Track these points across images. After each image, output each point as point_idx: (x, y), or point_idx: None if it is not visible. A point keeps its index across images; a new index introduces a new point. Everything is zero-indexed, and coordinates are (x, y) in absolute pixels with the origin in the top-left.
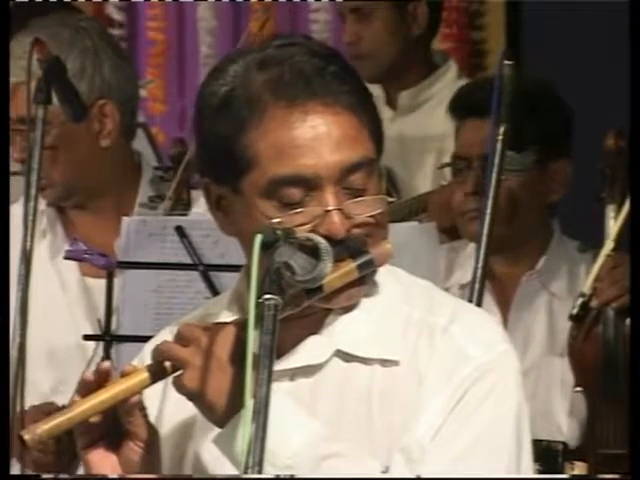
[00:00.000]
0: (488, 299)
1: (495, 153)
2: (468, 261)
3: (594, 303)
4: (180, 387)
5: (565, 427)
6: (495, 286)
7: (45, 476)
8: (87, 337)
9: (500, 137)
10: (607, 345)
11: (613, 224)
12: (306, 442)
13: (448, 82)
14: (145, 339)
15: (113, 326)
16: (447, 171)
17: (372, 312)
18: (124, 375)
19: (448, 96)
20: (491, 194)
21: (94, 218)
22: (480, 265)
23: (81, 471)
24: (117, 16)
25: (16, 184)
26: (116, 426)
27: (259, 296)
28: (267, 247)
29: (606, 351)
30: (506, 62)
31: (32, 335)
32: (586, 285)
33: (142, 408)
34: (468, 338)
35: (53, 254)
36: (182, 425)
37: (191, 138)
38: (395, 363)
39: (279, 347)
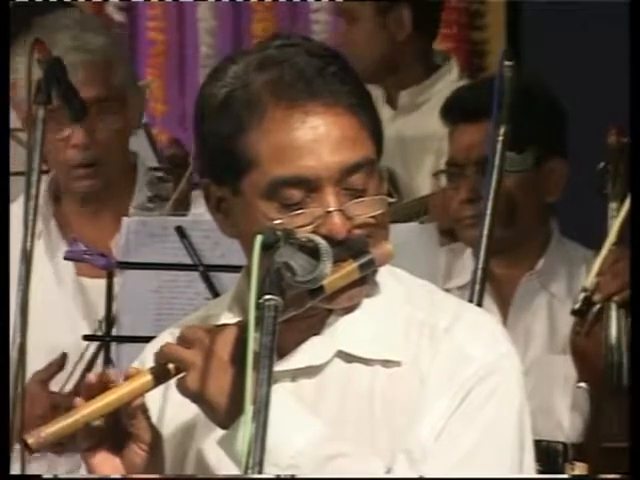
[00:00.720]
0: (487, 300)
1: (496, 154)
2: (467, 264)
3: (596, 297)
4: (183, 389)
5: (566, 426)
6: (494, 287)
7: (45, 476)
8: (87, 337)
9: (501, 138)
10: (609, 339)
11: (615, 219)
12: (309, 442)
13: (449, 83)
14: (145, 340)
15: (113, 327)
16: (443, 176)
17: (373, 313)
18: (127, 378)
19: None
20: (491, 195)
21: (89, 217)
22: (480, 266)
23: (83, 471)
24: (117, 16)
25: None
26: (119, 429)
27: (259, 297)
28: (267, 248)
29: (608, 345)
30: (506, 63)
31: (33, 335)
32: (588, 279)
33: (145, 410)
34: (470, 339)
35: (49, 254)
36: (184, 426)
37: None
38: (397, 364)
39: (281, 348)
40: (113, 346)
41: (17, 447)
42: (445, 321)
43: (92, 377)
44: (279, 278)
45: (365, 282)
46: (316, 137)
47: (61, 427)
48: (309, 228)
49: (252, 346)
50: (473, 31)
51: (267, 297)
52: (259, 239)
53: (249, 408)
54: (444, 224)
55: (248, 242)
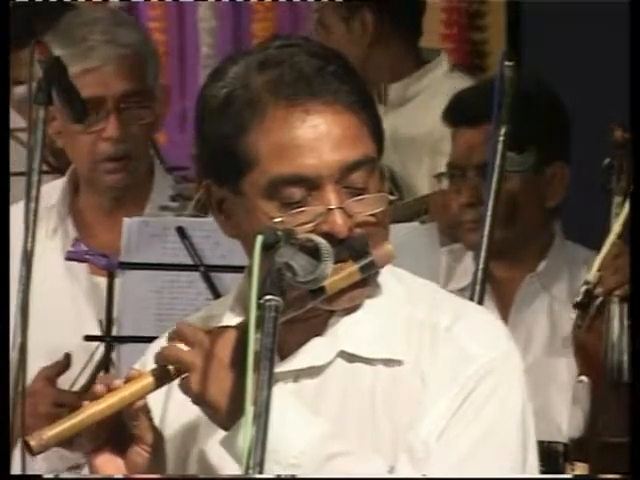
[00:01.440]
0: (488, 301)
1: (496, 154)
2: (467, 266)
3: (598, 291)
4: (185, 390)
5: (565, 428)
6: (495, 289)
7: (46, 476)
8: (88, 338)
9: (501, 138)
10: (610, 334)
11: (619, 214)
12: (311, 441)
13: (439, 76)
14: (146, 340)
15: (114, 327)
16: (444, 178)
17: (375, 313)
18: (129, 380)
19: (439, 90)
20: (492, 195)
21: (106, 216)
22: (481, 267)
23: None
24: None
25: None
26: (121, 430)
27: (260, 297)
28: (268, 248)
29: (609, 340)
30: (507, 63)
31: (41, 332)
32: (590, 273)
33: (147, 412)
34: (471, 337)
35: (65, 251)
36: (186, 427)
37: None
38: (399, 363)
39: (283, 349)
40: (114, 346)
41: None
42: (446, 320)
43: (100, 387)
44: (280, 278)
45: (366, 283)
46: (316, 136)
47: (63, 429)
48: (310, 226)
49: (253, 347)
50: (473, 31)
51: (268, 297)
52: (260, 239)
53: (250, 409)
54: (444, 224)
55: (249, 242)
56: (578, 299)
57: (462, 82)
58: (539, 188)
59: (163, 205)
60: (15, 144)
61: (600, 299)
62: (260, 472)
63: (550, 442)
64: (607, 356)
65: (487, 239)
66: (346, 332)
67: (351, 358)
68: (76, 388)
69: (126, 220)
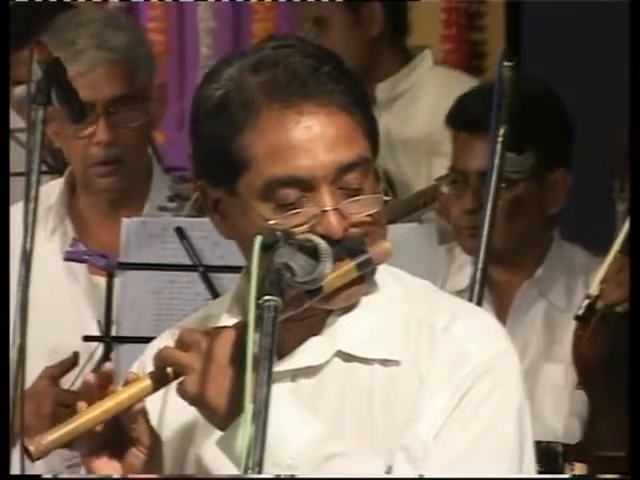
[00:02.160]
0: (486, 306)
1: (495, 155)
2: (464, 267)
3: (600, 304)
4: (183, 393)
5: (560, 435)
6: (493, 294)
7: (45, 476)
8: (87, 338)
9: (500, 139)
10: (612, 347)
11: (622, 225)
12: (309, 442)
13: (425, 71)
14: (145, 340)
15: (113, 327)
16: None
17: (372, 312)
18: (127, 383)
19: (426, 84)
20: (491, 195)
21: (105, 216)
22: (480, 267)
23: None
24: None
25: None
26: (118, 433)
27: (259, 297)
28: (267, 248)
29: (611, 353)
30: (506, 63)
31: (40, 333)
32: (592, 286)
33: (145, 414)
34: (468, 337)
35: (64, 251)
36: (183, 429)
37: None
38: (396, 363)
39: (280, 348)
40: (113, 346)
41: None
42: (443, 320)
43: (90, 377)
44: (279, 279)
45: (363, 281)
46: (311, 137)
47: (62, 434)
48: (305, 228)
49: (252, 347)
50: (472, 32)
51: (267, 298)
52: (258, 240)
53: (249, 408)
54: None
55: (245, 243)
56: (580, 312)
57: (449, 75)
58: (540, 195)
59: (161, 206)
60: (14, 144)
61: (601, 312)
62: (259, 472)
63: (549, 442)
64: (606, 369)
65: (486, 239)
66: (343, 332)
67: (348, 358)
68: (74, 389)
69: (125, 220)
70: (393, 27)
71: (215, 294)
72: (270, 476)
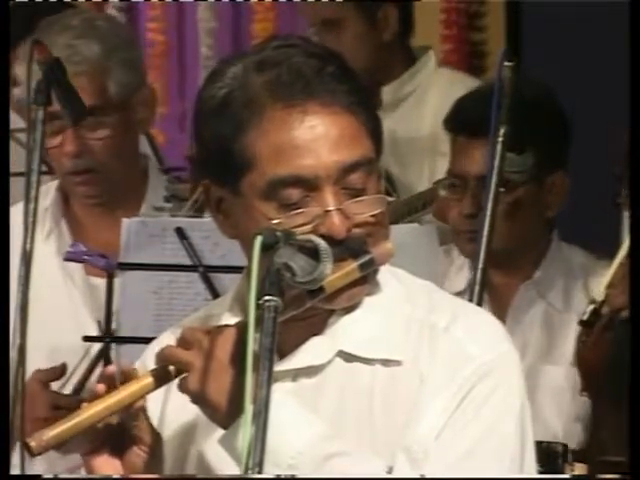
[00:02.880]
0: (485, 307)
1: (495, 155)
2: (462, 269)
3: (604, 310)
4: (184, 390)
5: (560, 436)
6: (492, 295)
7: (45, 476)
8: (87, 338)
9: (500, 139)
10: (617, 352)
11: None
12: (309, 441)
13: (429, 72)
14: (145, 340)
15: (113, 327)
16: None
17: (374, 312)
18: (126, 379)
19: (430, 85)
20: (491, 195)
21: (99, 218)
22: (480, 267)
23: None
24: (117, 16)
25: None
26: (119, 431)
27: (259, 298)
28: (267, 248)
29: (616, 358)
30: (506, 63)
31: (38, 334)
32: (598, 292)
33: (145, 412)
34: (470, 338)
35: (60, 253)
36: (184, 427)
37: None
38: (397, 363)
39: (282, 348)
40: (113, 347)
41: (17, 447)
42: (445, 320)
43: (101, 386)
44: (279, 279)
45: (366, 281)
46: (314, 136)
47: (63, 430)
48: (308, 228)
49: (252, 346)
50: (473, 32)
51: (267, 298)
52: (259, 240)
53: (249, 408)
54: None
55: (248, 243)
56: (585, 317)
57: (452, 76)
58: (539, 198)
59: (157, 206)
60: (14, 144)
61: (606, 318)
62: (259, 472)
63: (549, 442)
64: (609, 374)
65: (487, 239)
66: (345, 332)
67: (350, 358)
68: (70, 386)
69: (125, 220)
70: (403, 29)
71: (215, 294)
72: (270, 476)
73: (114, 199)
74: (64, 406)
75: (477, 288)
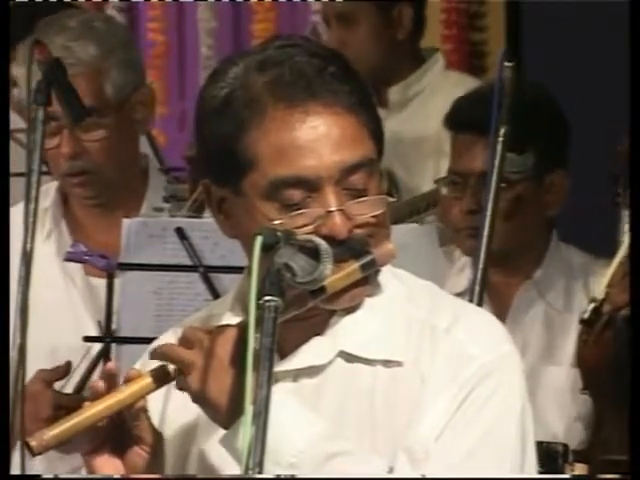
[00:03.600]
0: (485, 307)
1: (495, 155)
2: (464, 270)
3: (606, 308)
4: (185, 389)
5: (561, 435)
6: (491, 296)
7: (45, 476)
8: (87, 339)
9: (500, 139)
10: (617, 351)
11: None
12: (310, 441)
13: (437, 74)
14: (145, 341)
15: (113, 327)
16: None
17: (375, 313)
18: (128, 380)
19: (438, 87)
20: (492, 195)
21: (99, 219)
22: (480, 267)
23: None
24: (117, 17)
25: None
26: (119, 430)
27: (260, 298)
28: (268, 249)
29: (616, 357)
30: (506, 64)
31: (38, 334)
32: (598, 290)
33: (146, 412)
34: (471, 338)
35: (60, 254)
36: (185, 427)
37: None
38: (398, 364)
39: (283, 348)
40: (113, 347)
41: (17, 447)
42: (446, 321)
43: (99, 384)
44: (279, 279)
45: (367, 282)
46: (316, 137)
47: (64, 430)
48: (310, 228)
49: (252, 346)
50: (473, 32)
51: (267, 298)
52: (259, 240)
53: (249, 408)
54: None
55: (249, 243)
56: (585, 316)
57: (459, 79)
58: (539, 197)
59: (156, 207)
60: (14, 145)
61: (607, 316)
62: (260, 472)
63: (549, 443)
64: (611, 373)
65: (487, 238)
66: (346, 332)
67: (351, 358)
68: (70, 386)
69: (125, 221)
70: (415, 29)
71: (215, 294)
72: (270, 476)
73: (113, 199)
74: (67, 406)
75: (477, 288)
